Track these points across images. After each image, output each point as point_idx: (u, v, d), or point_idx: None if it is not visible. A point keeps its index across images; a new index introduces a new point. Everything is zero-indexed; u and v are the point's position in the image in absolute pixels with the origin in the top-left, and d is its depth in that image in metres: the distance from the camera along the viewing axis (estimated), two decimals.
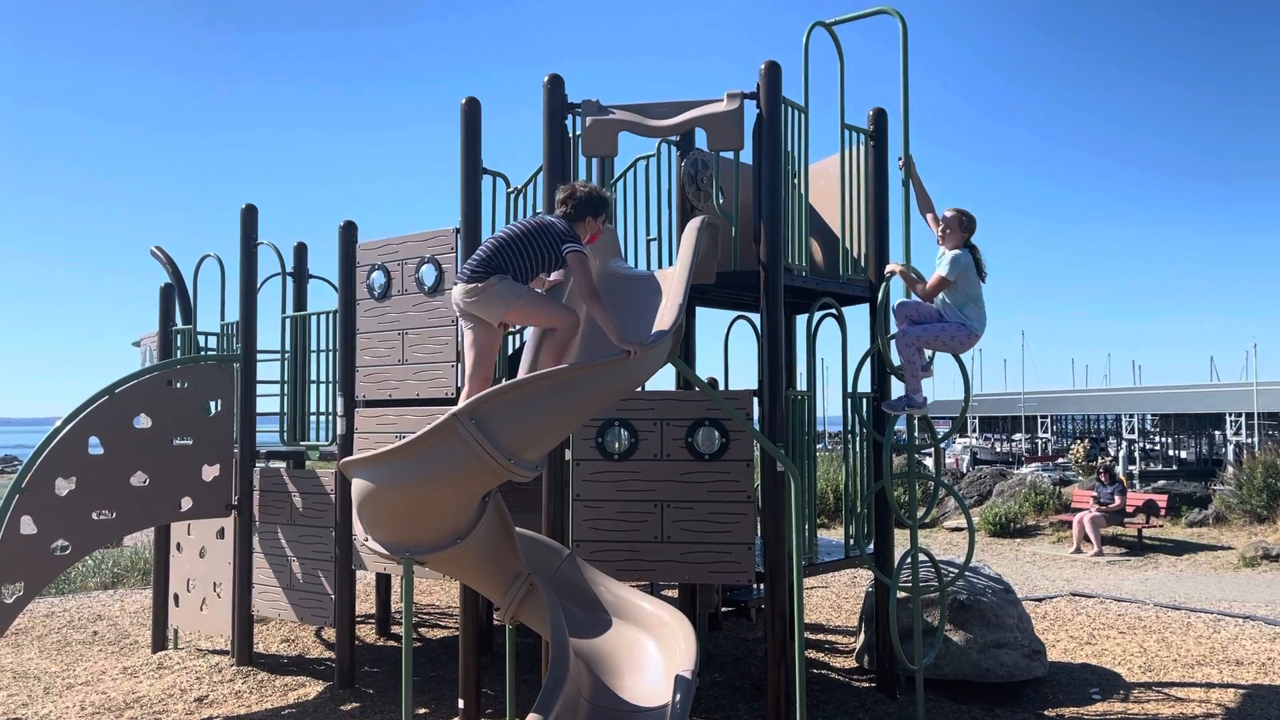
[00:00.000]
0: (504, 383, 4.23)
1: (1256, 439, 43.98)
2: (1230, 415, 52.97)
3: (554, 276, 4.95)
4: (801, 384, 7.16)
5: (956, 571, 6.53)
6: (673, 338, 4.71)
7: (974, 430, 69.69)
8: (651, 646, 4.97)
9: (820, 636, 8.70)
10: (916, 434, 6.62)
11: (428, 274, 6.58)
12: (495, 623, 7.95)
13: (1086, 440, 38.74)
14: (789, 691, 5.53)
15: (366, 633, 8.90)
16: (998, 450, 60.02)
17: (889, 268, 6.26)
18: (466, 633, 6.34)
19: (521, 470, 4.17)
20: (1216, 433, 58.48)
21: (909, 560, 6.24)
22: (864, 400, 6.67)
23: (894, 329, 6.18)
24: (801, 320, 7.49)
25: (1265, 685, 6.99)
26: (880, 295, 6.30)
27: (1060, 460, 36.93)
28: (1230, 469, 18.84)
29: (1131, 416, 62.17)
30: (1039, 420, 66.16)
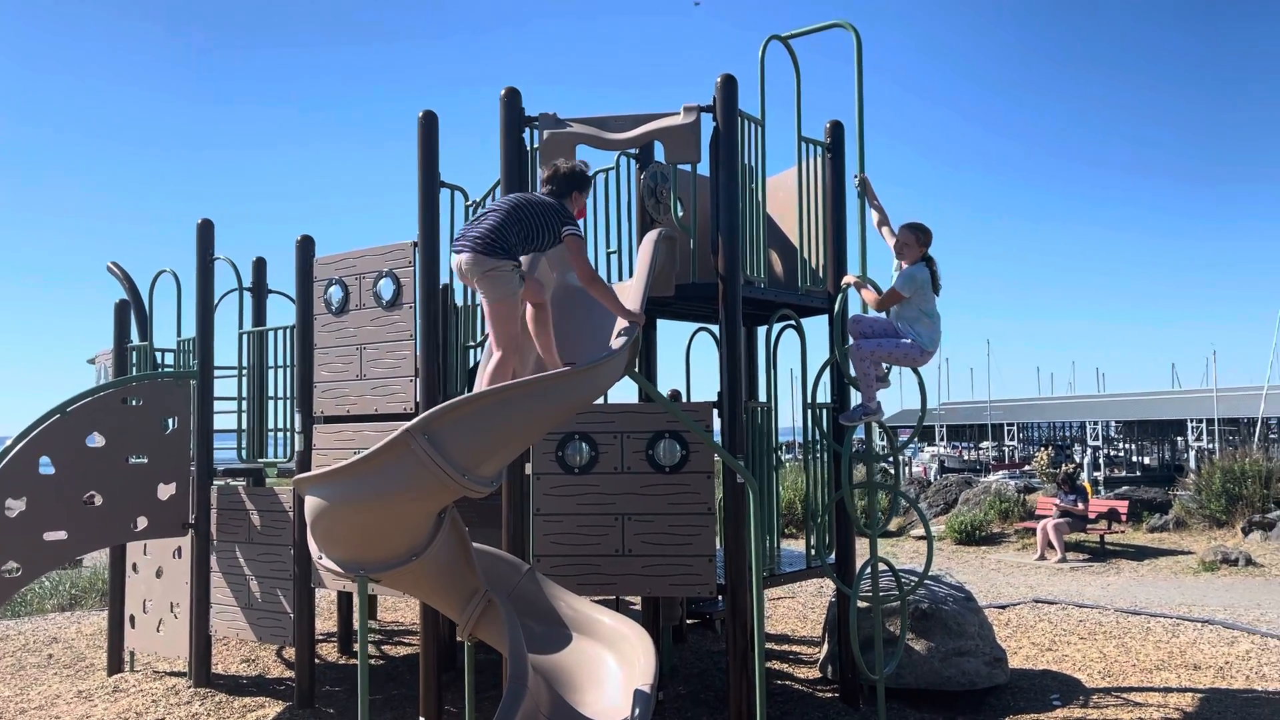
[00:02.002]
0: (458, 397, 4.20)
1: (1217, 445, 44.63)
2: (1191, 421, 53.75)
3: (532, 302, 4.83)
4: (765, 395, 7.19)
5: (916, 580, 6.55)
6: (630, 350, 4.71)
7: (942, 439, 70.25)
8: (611, 661, 4.95)
9: (785, 647, 8.71)
10: (878, 443, 6.67)
11: (386, 288, 6.53)
12: (459, 639, 7.88)
13: (1050, 448, 39.14)
14: (750, 704, 5.52)
15: (329, 651, 8.80)
16: (965, 459, 60.51)
17: (845, 279, 6.29)
18: (427, 650, 6.28)
19: (477, 486, 4.13)
20: (1179, 439, 59.30)
21: (870, 570, 6.26)
22: (824, 411, 6.70)
23: (850, 341, 6.21)
24: (763, 331, 7.52)
25: (1222, 689, 7.07)
26: (837, 306, 6.33)
27: (1026, 468, 37.31)
28: (1191, 475, 19.11)
29: (1096, 423, 62.90)
30: (1005, 428, 66.79)
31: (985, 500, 17.81)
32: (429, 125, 6.37)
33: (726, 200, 5.89)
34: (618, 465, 5.91)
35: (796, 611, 10.52)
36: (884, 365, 6.13)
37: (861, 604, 6.39)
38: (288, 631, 7.15)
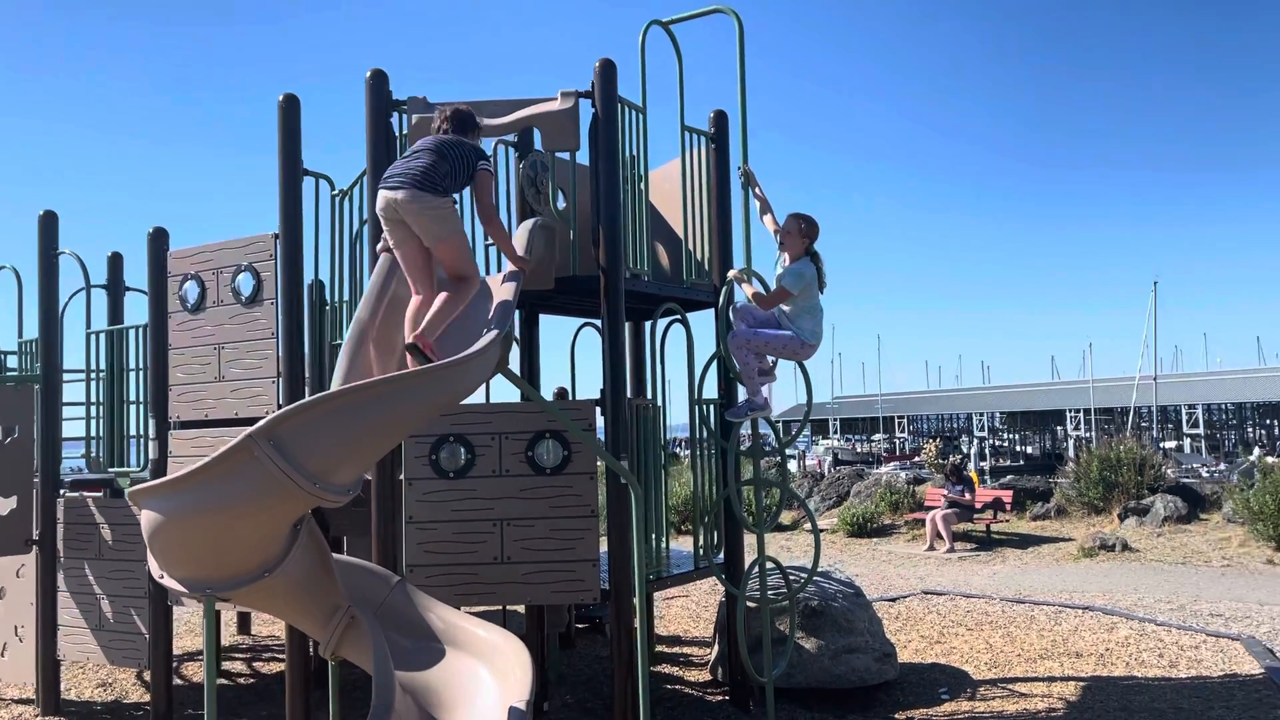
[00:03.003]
0: (306, 398, 3.86)
1: (1094, 433, 46.57)
2: (1070, 411, 56.04)
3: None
4: (653, 392, 7.00)
5: (804, 579, 6.42)
6: (501, 345, 4.44)
7: (836, 432, 71.73)
8: (485, 675, 4.66)
9: (677, 649, 8.54)
10: (770, 439, 6.53)
11: (245, 283, 6.10)
12: (322, 658, 7.49)
13: (939, 439, 40.26)
14: (636, 713, 5.30)
15: (194, 671, 8.26)
16: (859, 451, 61.86)
17: (730, 273, 6.13)
18: (294, 667, 5.88)
19: (330, 495, 3.81)
20: (1059, 428, 61.81)
21: (758, 568, 6.12)
22: (711, 407, 6.54)
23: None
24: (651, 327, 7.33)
25: (1103, 676, 7.17)
26: (722, 299, 6.16)
27: (916, 459, 38.23)
28: (1070, 463, 19.74)
29: (981, 415, 65.04)
30: (896, 420, 68.52)
31: (876, 492, 18.06)
32: (290, 109, 5.97)
33: (607, 189, 5.66)
34: (496, 468, 5.63)
35: (690, 611, 10.38)
36: (768, 359, 5.98)
37: (752, 604, 6.25)
38: (143, 654, 6.64)
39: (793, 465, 32.84)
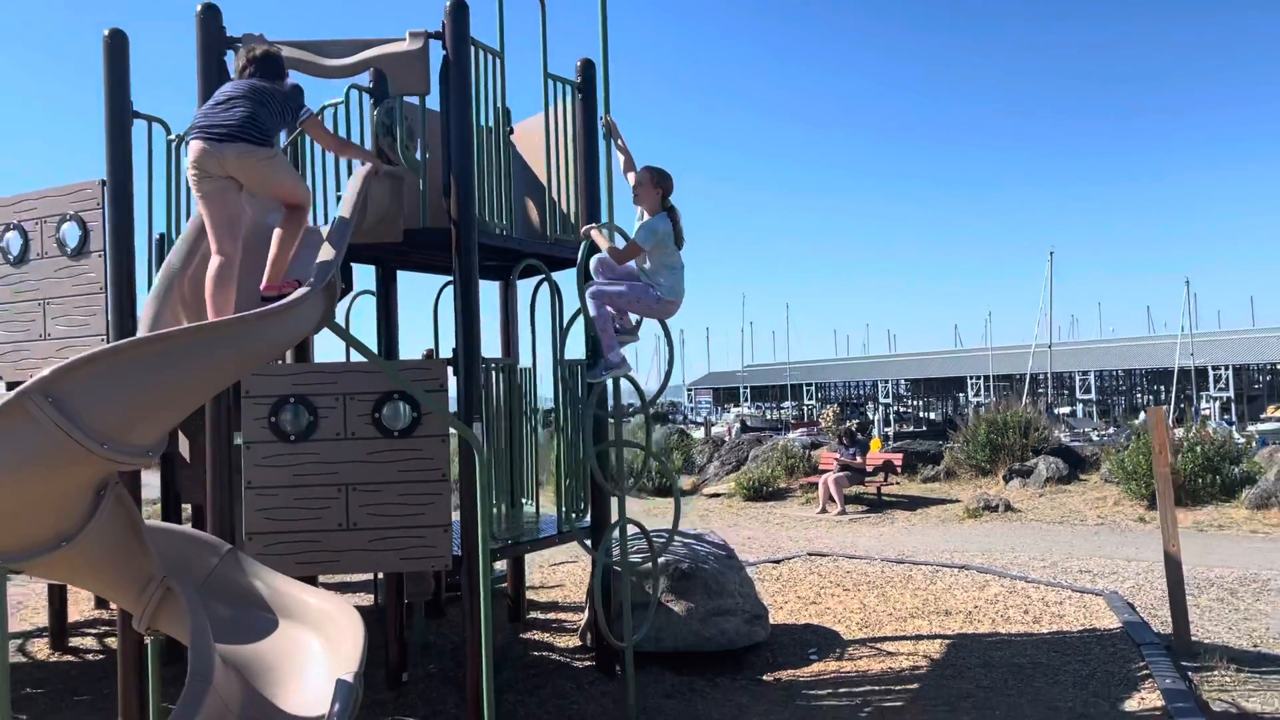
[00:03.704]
0: (92, 349, 3.54)
1: (993, 399, 47.92)
2: (970, 378, 57.65)
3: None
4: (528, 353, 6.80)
5: (665, 540, 6.29)
6: (322, 300, 4.16)
7: (746, 399, 72.57)
8: (316, 646, 4.42)
9: (552, 615, 8.40)
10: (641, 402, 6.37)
11: (71, 234, 5.70)
12: (138, 631, 7.13)
13: (836, 405, 40.95)
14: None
15: (40, 648, 7.82)
16: (768, 417, 62.71)
17: (585, 228, 5.91)
18: (126, 643, 5.55)
19: (124, 457, 3.49)
20: (960, 394, 63.57)
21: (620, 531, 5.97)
22: (579, 367, 6.35)
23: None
24: (526, 287, 7.11)
25: (969, 634, 7.24)
26: (581, 254, 5.94)
27: (819, 425, 38.85)
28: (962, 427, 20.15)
29: (887, 382, 66.46)
30: (804, 388, 69.62)
31: (773, 457, 18.18)
32: (117, 46, 5.54)
33: (459, 136, 5.39)
34: (340, 431, 5.35)
35: (576, 577, 10.23)
36: (631, 317, 5.80)
37: (617, 568, 6.11)
38: None
39: (699, 432, 32.97)
